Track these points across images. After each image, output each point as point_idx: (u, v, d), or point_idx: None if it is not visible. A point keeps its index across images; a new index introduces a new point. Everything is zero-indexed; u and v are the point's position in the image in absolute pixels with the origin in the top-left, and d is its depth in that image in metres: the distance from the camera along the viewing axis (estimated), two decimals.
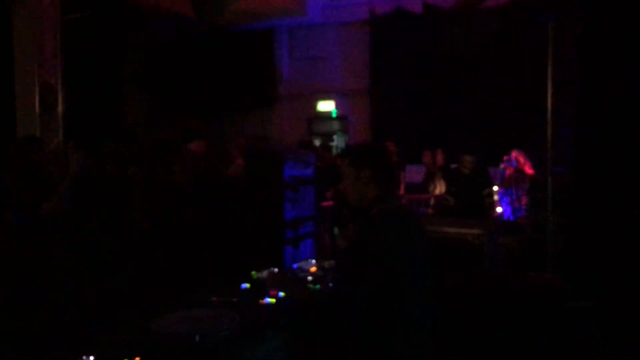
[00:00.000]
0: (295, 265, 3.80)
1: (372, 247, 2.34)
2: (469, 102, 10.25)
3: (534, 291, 4.31)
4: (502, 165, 8.09)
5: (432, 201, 8.11)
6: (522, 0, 8.91)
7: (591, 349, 3.93)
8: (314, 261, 3.91)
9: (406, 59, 10.93)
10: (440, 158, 8.89)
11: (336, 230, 3.27)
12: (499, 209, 7.49)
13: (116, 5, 9.19)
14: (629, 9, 4.16)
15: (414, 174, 9.36)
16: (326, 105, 12.38)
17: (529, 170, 7.50)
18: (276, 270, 3.53)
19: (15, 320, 3.18)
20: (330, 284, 3.17)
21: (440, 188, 8.22)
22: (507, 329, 4.12)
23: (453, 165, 8.10)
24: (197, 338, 2.35)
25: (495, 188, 7.59)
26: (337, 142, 12.37)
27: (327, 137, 12.20)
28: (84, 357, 2.28)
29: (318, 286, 3.07)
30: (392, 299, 2.33)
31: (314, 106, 12.42)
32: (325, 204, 7.40)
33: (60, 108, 8.29)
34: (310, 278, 3.33)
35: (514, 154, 7.97)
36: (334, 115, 12.40)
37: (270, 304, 2.84)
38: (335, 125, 12.59)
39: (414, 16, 10.82)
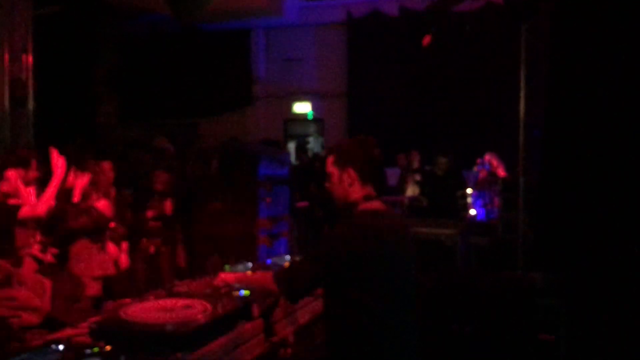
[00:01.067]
0: (269, 261, 3.79)
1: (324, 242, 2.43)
2: (444, 105, 10.40)
3: (503, 289, 4.38)
4: (475, 168, 8.19)
5: (405, 202, 8.17)
6: (495, 4, 9.06)
7: (558, 345, 4.00)
8: (288, 257, 3.91)
9: (383, 62, 11.03)
10: (415, 160, 8.98)
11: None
12: (472, 211, 7.58)
13: (88, 0, 9.07)
14: (599, 9, 4.26)
15: (389, 176, 9.43)
16: (302, 107, 12.39)
17: (502, 173, 7.60)
18: (250, 264, 3.52)
19: None
20: None
21: (413, 190, 8.30)
22: (477, 325, 4.18)
23: (427, 168, 8.19)
24: (168, 327, 2.32)
25: (469, 191, 7.69)
26: (313, 144, 12.39)
27: (303, 138, 12.22)
28: (53, 346, 2.25)
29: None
30: (361, 295, 2.30)
31: (290, 108, 12.43)
32: (299, 204, 7.42)
33: (30, 104, 8.13)
34: None
35: (487, 157, 8.07)
36: (310, 117, 12.42)
37: (244, 296, 2.82)
38: (311, 127, 12.62)
39: (391, 19, 10.92)
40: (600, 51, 4.33)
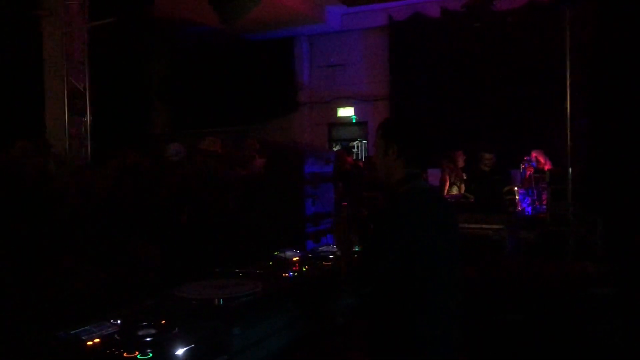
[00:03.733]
0: (316, 248, 3.88)
1: (387, 225, 2.29)
2: (487, 105, 10.28)
3: (556, 278, 4.32)
4: (522, 166, 8.08)
5: (451, 201, 8.11)
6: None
7: (612, 335, 3.92)
8: (334, 246, 3.98)
9: (425, 63, 11.01)
10: (460, 160, 8.92)
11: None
12: (519, 208, 7.48)
13: (140, 13, 9.43)
14: None
15: (431, 176, 9.39)
16: (346, 111, 12.49)
17: (548, 168, 7.48)
18: (297, 251, 3.61)
19: (49, 286, 3.31)
20: None
21: (458, 189, 8.24)
22: (530, 315, 4.14)
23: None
24: (220, 301, 2.43)
25: (516, 189, 7.58)
26: (358, 148, 12.45)
27: (347, 142, 12.30)
28: (112, 321, 2.39)
29: None
30: (407, 277, 2.26)
31: (335, 112, 12.54)
32: (345, 203, 7.47)
33: (88, 114, 8.51)
34: (331, 256, 3.40)
35: (533, 154, 7.96)
36: (353, 121, 12.50)
37: (293, 277, 2.91)
38: (355, 131, 12.68)
39: (432, 20, 10.92)
40: None
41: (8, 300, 3.58)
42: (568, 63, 5.14)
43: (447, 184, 8.29)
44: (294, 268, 3.05)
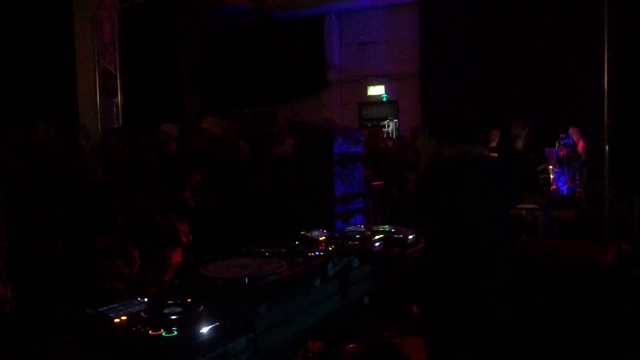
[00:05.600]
0: (347, 229, 3.85)
1: (428, 185, 2.67)
2: (519, 82, 10.02)
3: (590, 259, 4.20)
4: (557, 144, 7.89)
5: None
6: None
7: None
8: (362, 226, 3.96)
9: (456, 40, 10.76)
10: (494, 139, 8.75)
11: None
12: (554, 187, 7.31)
13: None
14: None
15: None
16: (376, 90, 12.34)
17: (581, 147, 7.29)
18: (325, 231, 3.59)
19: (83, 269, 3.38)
20: None
21: None
22: (562, 296, 4.04)
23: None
24: (245, 280, 2.42)
25: (551, 167, 7.41)
26: (388, 126, 12.32)
27: (378, 121, 12.19)
28: (139, 299, 2.42)
29: None
30: (447, 229, 2.60)
31: (365, 91, 12.41)
32: (375, 183, 7.42)
33: (119, 96, 8.61)
34: (358, 236, 3.37)
35: (571, 130, 7.76)
36: (384, 99, 12.36)
37: (318, 256, 2.89)
38: (386, 110, 12.54)
39: None
40: None
41: (47, 276, 3.67)
42: (606, 39, 4.95)
43: None
44: (320, 248, 3.03)
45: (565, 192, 7.30)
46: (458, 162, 2.65)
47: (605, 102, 5.16)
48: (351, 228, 3.84)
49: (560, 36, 9.62)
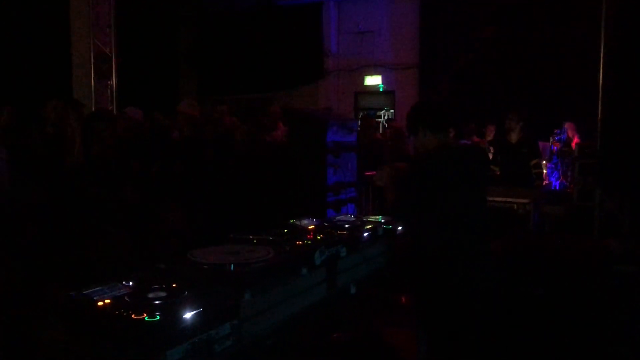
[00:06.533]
0: (336, 218, 3.85)
1: (416, 174, 2.99)
2: (518, 76, 10.01)
3: (579, 254, 4.23)
4: (551, 139, 7.91)
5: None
6: None
7: (635, 312, 3.84)
8: (352, 215, 3.96)
9: (455, 32, 10.73)
10: (490, 133, 8.76)
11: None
12: (546, 182, 7.33)
13: None
14: None
15: None
16: (373, 80, 12.31)
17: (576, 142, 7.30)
18: (314, 219, 3.59)
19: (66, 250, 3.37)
20: None
21: None
22: (550, 289, 4.07)
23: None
24: (231, 267, 2.42)
25: (544, 162, 7.42)
26: (385, 117, 12.29)
27: (375, 111, 12.15)
28: (124, 282, 2.41)
29: None
30: (432, 211, 2.92)
31: (362, 80, 12.37)
32: (369, 172, 7.41)
33: (114, 78, 8.56)
34: (347, 226, 3.37)
35: (566, 125, 7.77)
36: (381, 89, 12.33)
37: (306, 244, 2.89)
38: (383, 100, 12.51)
39: None
40: None
41: (34, 260, 3.66)
42: (602, 33, 4.93)
43: None
44: (308, 236, 3.03)
45: (557, 188, 7.32)
46: (439, 153, 2.99)
47: (600, 99, 5.15)
48: (341, 217, 3.84)
49: (560, 29, 9.61)
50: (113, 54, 8.36)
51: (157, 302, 2.13)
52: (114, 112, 8.52)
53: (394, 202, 3.14)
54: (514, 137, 6.74)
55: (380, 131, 9.88)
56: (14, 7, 8.24)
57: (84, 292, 2.25)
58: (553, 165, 7.71)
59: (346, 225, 3.38)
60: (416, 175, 2.99)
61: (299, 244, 2.90)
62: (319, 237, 3.03)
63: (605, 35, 5.16)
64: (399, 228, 3.59)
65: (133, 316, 2.02)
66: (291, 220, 3.47)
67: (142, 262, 3.16)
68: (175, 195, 5.05)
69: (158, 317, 2.01)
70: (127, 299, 2.18)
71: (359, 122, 7.76)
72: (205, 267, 2.49)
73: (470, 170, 3.02)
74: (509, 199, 5.89)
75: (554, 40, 9.65)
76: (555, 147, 7.82)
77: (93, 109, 8.21)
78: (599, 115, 5.07)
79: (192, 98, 6.54)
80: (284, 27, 12.32)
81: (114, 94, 8.56)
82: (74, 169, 4.32)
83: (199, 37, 13.44)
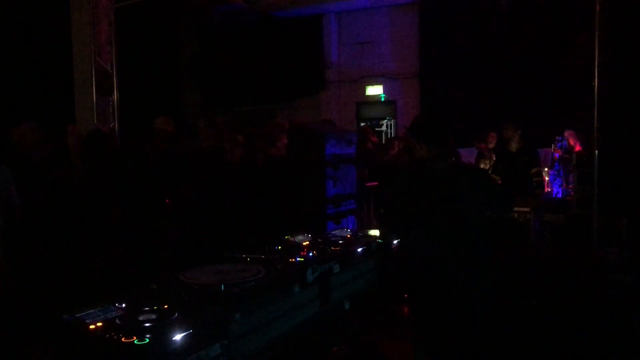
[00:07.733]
0: (331, 233, 3.87)
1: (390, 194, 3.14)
2: (518, 84, 10.01)
3: (575, 264, 4.22)
4: (553, 146, 7.88)
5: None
6: None
7: (633, 322, 3.82)
8: (348, 230, 3.97)
9: (455, 41, 10.74)
10: (492, 141, 8.75)
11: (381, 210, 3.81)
12: (547, 189, 7.30)
13: None
14: None
15: (464, 156, 9.24)
16: (375, 90, 12.33)
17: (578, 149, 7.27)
18: (309, 235, 3.61)
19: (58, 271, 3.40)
20: None
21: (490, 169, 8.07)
22: (546, 300, 4.06)
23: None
24: (221, 287, 2.45)
25: (546, 169, 7.40)
26: (386, 126, 12.31)
27: (377, 121, 12.18)
28: (117, 304, 2.44)
29: None
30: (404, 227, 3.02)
31: (363, 91, 12.40)
32: (369, 184, 7.42)
33: (115, 94, 8.63)
34: (341, 241, 3.39)
35: (566, 133, 7.75)
36: (382, 99, 12.35)
37: (299, 262, 2.91)
38: (384, 110, 12.52)
39: None
40: None
41: (32, 279, 3.70)
42: (597, 42, 4.94)
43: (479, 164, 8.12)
44: (302, 253, 3.05)
45: (560, 196, 7.29)
46: (405, 170, 3.29)
47: (595, 107, 5.15)
48: (336, 232, 3.85)
49: (559, 37, 9.61)
50: (114, 71, 8.44)
51: (147, 324, 2.16)
52: (116, 128, 8.62)
53: (382, 215, 3.30)
54: (514, 145, 6.74)
55: (384, 141, 9.90)
56: (16, 27, 8.35)
57: (77, 314, 2.28)
58: (555, 172, 7.68)
59: (340, 241, 3.40)
60: (379, 191, 3.19)
61: (291, 261, 2.92)
62: (312, 254, 3.05)
63: (600, 44, 5.17)
64: (394, 242, 3.61)
65: (123, 340, 2.05)
66: (286, 237, 3.49)
67: (136, 279, 3.18)
68: (172, 210, 5.07)
69: (147, 340, 2.04)
70: (118, 322, 2.20)
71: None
72: (196, 287, 2.51)
73: (445, 189, 2.95)
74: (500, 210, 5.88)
75: (555, 47, 9.64)
76: (557, 155, 7.80)
77: (95, 123, 8.29)
78: (595, 124, 5.07)
79: (166, 116, 6.50)
80: (285, 40, 12.38)
81: (116, 110, 8.63)
82: (72, 187, 4.37)
83: (200, 51, 13.53)
